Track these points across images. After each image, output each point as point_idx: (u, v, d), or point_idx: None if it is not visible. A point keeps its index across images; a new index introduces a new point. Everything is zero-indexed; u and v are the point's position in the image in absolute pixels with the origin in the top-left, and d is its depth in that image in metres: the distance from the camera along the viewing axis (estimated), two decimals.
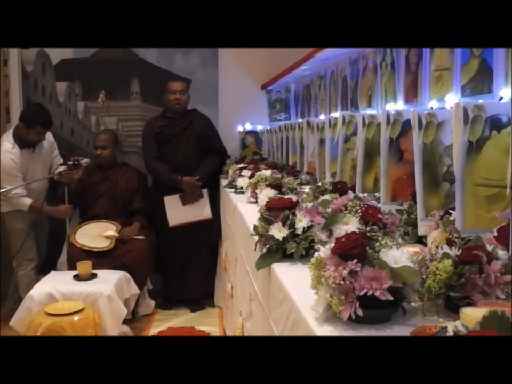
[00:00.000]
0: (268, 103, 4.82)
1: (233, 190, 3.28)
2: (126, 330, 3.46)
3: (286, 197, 1.72)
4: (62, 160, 4.14)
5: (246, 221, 2.16)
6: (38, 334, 2.85)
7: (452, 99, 1.73)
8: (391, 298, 1.05)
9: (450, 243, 1.21)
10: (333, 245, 1.15)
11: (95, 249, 3.78)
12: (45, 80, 4.58)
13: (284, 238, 1.57)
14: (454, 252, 1.13)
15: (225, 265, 3.53)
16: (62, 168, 3.90)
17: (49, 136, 4.05)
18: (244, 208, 2.55)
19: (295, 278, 1.39)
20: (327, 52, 2.82)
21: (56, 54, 4.53)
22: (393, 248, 1.13)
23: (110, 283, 3.30)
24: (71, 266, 3.60)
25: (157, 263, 4.19)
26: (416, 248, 1.34)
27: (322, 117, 3.21)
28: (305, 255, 1.56)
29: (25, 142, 3.82)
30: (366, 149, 1.98)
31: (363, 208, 1.56)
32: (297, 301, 1.25)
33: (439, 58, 1.89)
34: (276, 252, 1.59)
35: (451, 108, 1.53)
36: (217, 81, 4.72)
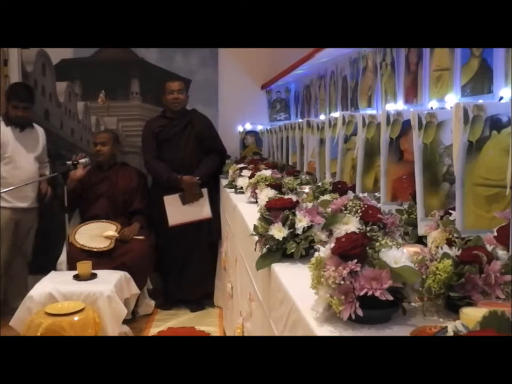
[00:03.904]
0: (268, 103, 4.82)
1: (233, 190, 3.28)
2: (126, 330, 3.46)
3: (286, 197, 1.72)
4: (47, 160, 4.22)
5: (246, 221, 2.16)
6: (38, 334, 2.85)
7: (452, 99, 1.73)
8: (391, 298, 1.05)
9: (450, 243, 1.21)
10: (333, 245, 1.15)
11: (95, 249, 3.79)
12: (45, 80, 4.58)
13: (283, 238, 1.57)
14: (454, 251, 1.13)
15: (225, 265, 3.53)
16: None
17: (42, 132, 4.14)
18: (244, 208, 2.55)
19: (295, 278, 1.39)
20: (327, 52, 2.82)
21: (56, 54, 4.53)
22: (393, 248, 1.13)
23: (110, 283, 3.30)
24: (71, 266, 3.60)
25: (157, 263, 4.19)
26: (416, 248, 1.34)
27: (322, 117, 3.21)
28: (305, 255, 1.55)
29: (12, 120, 3.91)
30: (366, 149, 1.98)
31: (363, 208, 1.56)
32: (297, 301, 1.25)
33: (439, 58, 1.89)
34: (276, 251, 1.59)
35: (451, 108, 1.53)
36: (217, 81, 4.73)
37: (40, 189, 4.03)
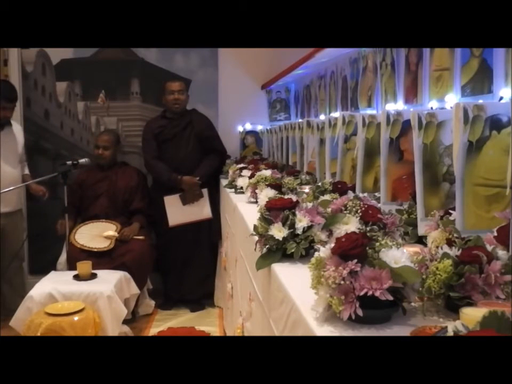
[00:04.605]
0: (268, 103, 4.82)
1: (233, 190, 3.28)
2: (126, 330, 3.46)
3: (286, 197, 1.72)
4: (25, 160, 4.13)
5: (246, 221, 2.16)
6: (38, 334, 2.85)
7: (452, 99, 1.73)
8: (391, 298, 1.05)
9: (450, 243, 1.21)
10: (333, 245, 1.15)
11: (95, 249, 3.79)
12: (45, 80, 4.59)
13: (284, 238, 1.57)
14: (454, 251, 1.13)
15: (225, 265, 3.53)
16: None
17: (19, 129, 4.06)
18: (243, 208, 2.55)
19: (295, 278, 1.39)
20: (327, 52, 2.82)
21: (56, 54, 4.53)
22: (393, 248, 1.13)
23: (110, 283, 3.30)
24: (71, 266, 3.60)
25: (157, 263, 4.19)
26: (416, 248, 1.34)
27: (322, 117, 3.21)
28: (305, 255, 1.55)
29: None
30: (366, 149, 1.98)
31: (363, 208, 1.56)
32: (297, 301, 1.25)
33: (439, 58, 1.89)
34: (276, 251, 1.59)
35: (451, 108, 1.53)
36: (217, 81, 4.73)
37: (34, 191, 3.93)
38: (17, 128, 4.06)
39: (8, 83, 4.06)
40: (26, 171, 4.13)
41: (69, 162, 3.85)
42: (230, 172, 3.58)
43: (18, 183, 3.88)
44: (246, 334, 2.27)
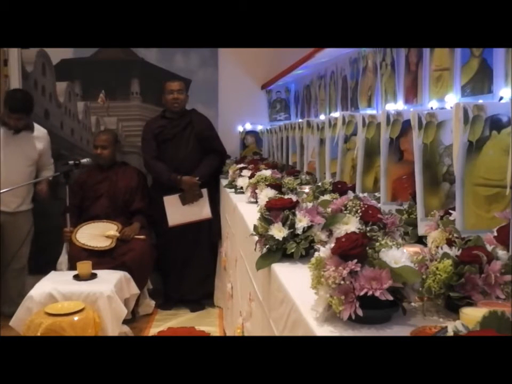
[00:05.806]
0: (267, 103, 4.82)
1: (233, 190, 3.28)
2: (126, 330, 3.46)
3: (286, 197, 1.72)
4: (51, 162, 4.16)
5: (246, 221, 2.16)
6: (38, 334, 2.84)
7: (452, 99, 1.73)
8: (391, 298, 1.05)
9: (450, 243, 1.21)
10: (333, 245, 1.15)
11: (96, 248, 3.79)
12: (45, 80, 4.58)
13: (283, 238, 1.57)
14: (454, 251, 1.13)
15: (225, 265, 3.53)
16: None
17: (42, 135, 4.07)
18: (243, 208, 2.55)
19: (295, 278, 1.39)
20: (327, 52, 2.82)
21: (56, 54, 4.53)
22: (393, 248, 1.13)
23: (110, 283, 3.30)
24: (72, 266, 3.60)
25: (157, 263, 4.19)
26: (416, 248, 1.34)
27: (322, 117, 3.21)
28: (305, 255, 1.55)
29: (6, 124, 3.85)
30: (366, 149, 1.98)
31: (363, 208, 1.56)
32: (297, 301, 1.25)
33: (439, 58, 1.89)
34: (276, 251, 1.59)
35: (451, 107, 1.53)
36: (217, 81, 4.72)
37: (36, 190, 3.95)
38: (40, 133, 4.05)
39: (18, 94, 4.00)
40: (48, 174, 4.13)
41: (71, 162, 3.85)
42: (230, 172, 3.58)
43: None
44: (246, 334, 2.27)
